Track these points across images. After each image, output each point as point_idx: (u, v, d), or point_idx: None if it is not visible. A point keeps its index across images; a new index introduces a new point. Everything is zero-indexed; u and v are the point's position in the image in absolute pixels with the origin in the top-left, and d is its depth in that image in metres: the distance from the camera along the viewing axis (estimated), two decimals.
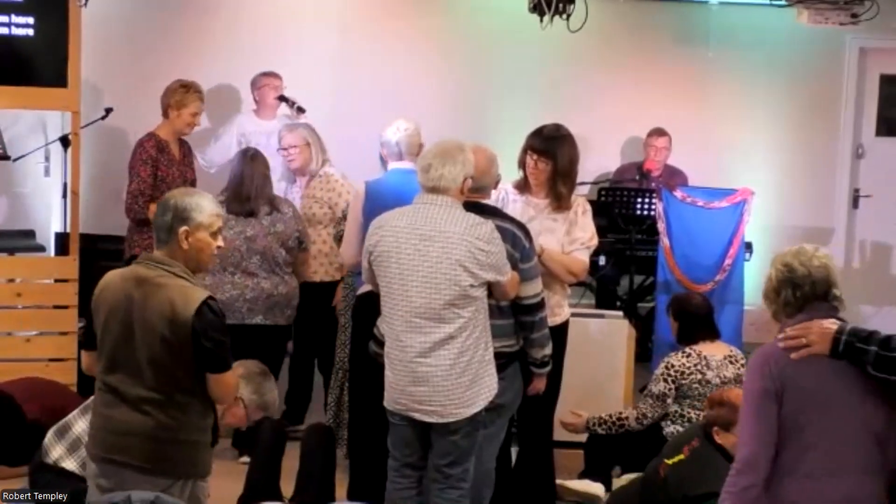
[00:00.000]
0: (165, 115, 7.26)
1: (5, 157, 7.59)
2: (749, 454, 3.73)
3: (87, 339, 4.48)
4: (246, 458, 6.31)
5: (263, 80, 8.19)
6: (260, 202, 6.59)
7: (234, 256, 6.54)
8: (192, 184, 7.33)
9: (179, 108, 7.20)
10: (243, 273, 6.55)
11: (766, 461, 3.71)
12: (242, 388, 5.14)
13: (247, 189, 6.59)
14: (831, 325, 3.75)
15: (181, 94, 7.22)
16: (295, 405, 7.11)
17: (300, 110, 8.03)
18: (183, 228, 4.23)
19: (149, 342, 4.19)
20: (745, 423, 3.78)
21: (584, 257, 5.68)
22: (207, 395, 4.28)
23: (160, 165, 7.15)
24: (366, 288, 5.57)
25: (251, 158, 6.69)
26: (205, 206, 4.28)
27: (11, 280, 7.26)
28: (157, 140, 7.18)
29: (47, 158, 8.38)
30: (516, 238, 5.04)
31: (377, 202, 5.56)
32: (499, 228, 4.88)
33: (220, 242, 4.37)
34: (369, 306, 5.40)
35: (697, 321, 6.30)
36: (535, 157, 5.66)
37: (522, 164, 5.73)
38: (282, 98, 8.14)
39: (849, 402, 3.73)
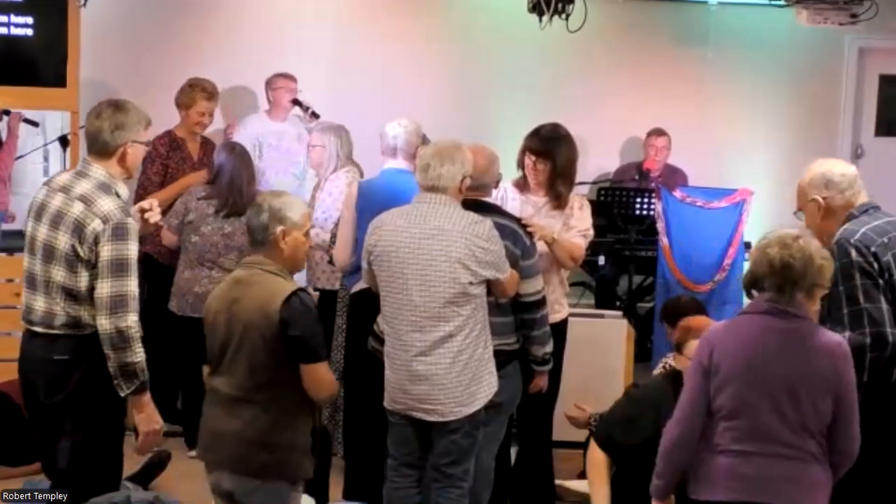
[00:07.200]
0: (180, 113, 7.37)
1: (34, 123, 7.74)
2: (680, 415, 4.08)
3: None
4: None
5: (280, 82, 8.14)
6: (247, 204, 6.51)
7: (211, 252, 6.56)
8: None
9: (187, 108, 7.32)
10: (220, 269, 6.52)
11: (694, 423, 4.03)
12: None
13: (236, 188, 6.55)
14: None
15: (188, 93, 7.33)
16: None
17: (314, 115, 7.96)
18: (280, 228, 4.33)
19: (247, 339, 4.28)
20: (683, 389, 4.14)
21: (581, 243, 5.70)
22: (305, 394, 4.31)
23: (170, 163, 7.20)
24: (358, 286, 5.57)
25: (239, 155, 6.62)
26: (297, 205, 4.40)
27: (11, 280, 7.25)
28: (172, 138, 7.27)
29: (46, 158, 8.36)
30: (517, 235, 5.04)
31: (370, 202, 5.56)
32: (499, 225, 4.88)
33: (311, 241, 4.56)
34: (363, 305, 5.40)
35: None
36: (533, 157, 5.67)
37: (521, 165, 5.73)
38: (296, 102, 8.11)
39: (776, 389, 3.93)
